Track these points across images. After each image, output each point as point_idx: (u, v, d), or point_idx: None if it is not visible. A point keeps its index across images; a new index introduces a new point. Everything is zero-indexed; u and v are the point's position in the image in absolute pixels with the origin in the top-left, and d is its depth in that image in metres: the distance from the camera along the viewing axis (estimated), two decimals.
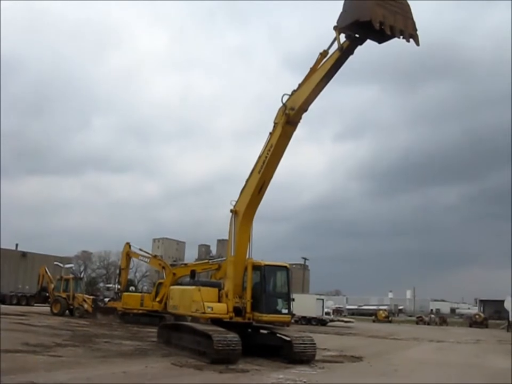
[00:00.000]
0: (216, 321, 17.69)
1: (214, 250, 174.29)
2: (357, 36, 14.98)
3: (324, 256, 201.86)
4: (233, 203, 18.32)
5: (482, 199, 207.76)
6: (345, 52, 15.26)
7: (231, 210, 18.28)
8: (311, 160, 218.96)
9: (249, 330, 18.37)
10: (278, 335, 18.03)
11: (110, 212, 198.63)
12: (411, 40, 14.49)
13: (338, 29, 15.12)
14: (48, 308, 39.28)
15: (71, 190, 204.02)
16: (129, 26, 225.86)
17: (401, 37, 14.37)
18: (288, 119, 16.82)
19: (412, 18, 14.67)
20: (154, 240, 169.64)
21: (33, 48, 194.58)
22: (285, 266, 19.33)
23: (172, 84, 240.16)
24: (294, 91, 16.76)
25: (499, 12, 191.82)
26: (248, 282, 17.95)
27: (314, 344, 17.71)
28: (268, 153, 17.29)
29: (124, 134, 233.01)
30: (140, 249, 38.88)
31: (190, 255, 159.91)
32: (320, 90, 16.26)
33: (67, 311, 37.87)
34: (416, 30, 14.62)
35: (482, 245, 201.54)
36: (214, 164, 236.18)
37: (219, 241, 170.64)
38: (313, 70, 16.25)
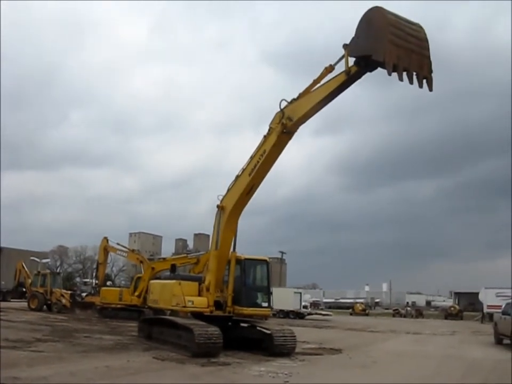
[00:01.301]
0: (197, 315, 17.79)
1: (190, 244, 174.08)
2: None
3: (301, 250, 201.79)
4: (220, 197, 18.23)
5: (458, 192, 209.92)
6: (351, 77, 14.40)
7: (218, 206, 18.20)
8: (289, 154, 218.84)
9: (230, 323, 18.48)
10: (258, 328, 18.19)
11: (88, 206, 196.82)
12: (424, 83, 13.62)
13: (348, 50, 14.24)
14: (25, 304, 38.95)
15: (48, 185, 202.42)
16: (109, 18, 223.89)
17: (414, 78, 13.45)
18: (285, 128, 16.17)
19: (429, 57, 13.74)
20: (130, 234, 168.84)
21: (11, 41, 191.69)
22: (265, 260, 19.49)
23: (151, 76, 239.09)
24: (294, 100, 16.05)
25: (476, 7, 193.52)
26: (231, 276, 18.06)
27: (295, 337, 17.88)
28: (260, 158, 16.78)
29: (103, 127, 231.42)
30: (118, 244, 38.80)
31: (167, 250, 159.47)
32: (320, 109, 15.61)
33: (45, 306, 37.59)
34: (431, 71, 13.73)
35: (457, 238, 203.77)
36: (192, 157, 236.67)
37: (196, 235, 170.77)
38: (315, 83, 15.51)
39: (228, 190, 18.09)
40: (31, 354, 14.55)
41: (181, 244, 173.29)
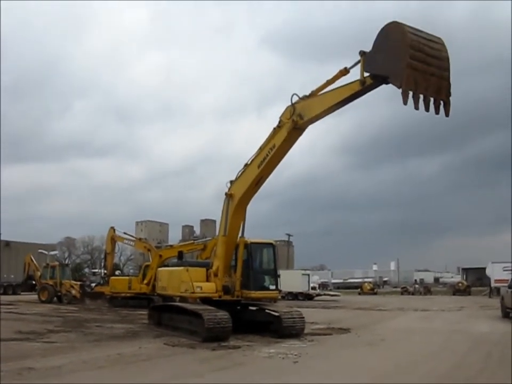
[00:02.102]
0: (206, 301, 17.99)
1: (197, 230, 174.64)
2: None
3: (308, 231, 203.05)
4: (229, 185, 18.29)
5: (463, 168, 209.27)
6: (366, 88, 13.96)
7: (226, 194, 18.25)
8: None
9: (238, 307, 18.68)
10: (266, 311, 18.35)
11: (93, 196, 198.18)
12: (441, 109, 13.04)
13: (364, 62, 13.68)
14: (36, 296, 39.25)
15: (53, 176, 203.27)
16: (109, 4, 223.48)
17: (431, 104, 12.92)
18: (295, 125, 15.92)
19: (448, 79, 13.11)
20: (137, 223, 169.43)
21: (11, 31, 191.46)
22: (271, 243, 19.63)
23: (153, 62, 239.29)
24: (306, 97, 15.77)
25: None
26: (239, 261, 18.24)
27: (303, 318, 18.06)
28: (269, 152, 16.61)
29: (106, 116, 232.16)
30: (125, 233, 38.97)
31: (174, 237, 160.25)
32: (332, 112, 15.41)
33: (55, 298, 37.91)
34: (449, 95, 13.12)
35: (463, 214, 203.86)
36: (196, 143, 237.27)
37: (202, 221, 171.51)
38: (328, 83, 15.17)
39: (236, 178, 18.12)
40: (44, 345, 14.86)
41: (187, 230, 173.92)
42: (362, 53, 13.74)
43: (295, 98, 16.10)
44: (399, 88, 12.52)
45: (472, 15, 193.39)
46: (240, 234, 18.58)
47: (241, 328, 17.33)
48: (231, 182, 18.36)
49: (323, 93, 15.40)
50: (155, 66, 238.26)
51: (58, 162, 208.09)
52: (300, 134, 16.46)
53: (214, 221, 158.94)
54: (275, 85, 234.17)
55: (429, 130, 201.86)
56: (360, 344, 16.46)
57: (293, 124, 15.89)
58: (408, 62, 12.36)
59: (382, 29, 12.98)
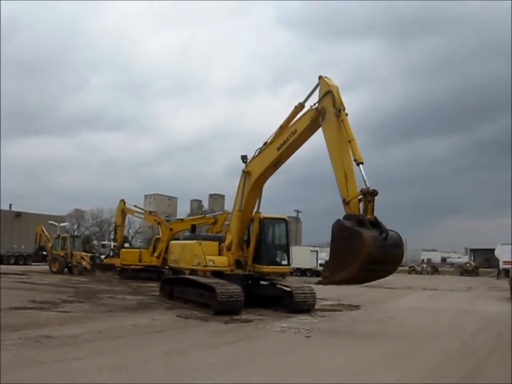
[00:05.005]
0: (217, 274, 18.15)
1: (205, 205, 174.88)
2: None
3: (316, 209, 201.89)
4: (242, 160, 18.26)
5: (472, 150, 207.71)
6: None
7: (243, 171, 18.16)
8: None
9: (250, 282, 18.80)
10: (278, 286, 18.51)
11: (104, 170, 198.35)
12: None
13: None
14: (46, 267, 39.63)
15: (64, 149, 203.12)
16: None
17: None
18: (319, 115, 15.20)
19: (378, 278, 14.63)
20: (146, 196, 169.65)
21: (28, 8, 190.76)
22: (284, 219, 19.73)
23: (168, 40, 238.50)
24: (339, 103, 14.62)
25: None
26: (253, 236, 18.36)
27: (314, 294, 18.18)
28: (290, 136, 16.31)
29: (119, 91, 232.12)
30: (135, 206, 39.16)
31: (182, 211, 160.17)
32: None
33: (66, 269, 38.19)
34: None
35: (471, 196, 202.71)
36: (207, 119, 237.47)
37: (211, 195, 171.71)
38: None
39: (254, 156, 18.01)
40: (59, 314, 15.04)
41: (196, 204, 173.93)
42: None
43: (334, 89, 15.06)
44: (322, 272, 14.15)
45: None
46: (255, 210, 18.63)
47: (253, 303, 17.44)
48: (242, 157, 18.34)
49: (340, 150, 14.50)
50: (170, 43, 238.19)
51: (70, 136, 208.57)
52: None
53: (223, 196, 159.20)
54: (290, 64, 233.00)
55: (439, 111, 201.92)
56: (371, 321, 16.63)
57: (317, 113, 15.30)
58: (345, 279, 13.46)
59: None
